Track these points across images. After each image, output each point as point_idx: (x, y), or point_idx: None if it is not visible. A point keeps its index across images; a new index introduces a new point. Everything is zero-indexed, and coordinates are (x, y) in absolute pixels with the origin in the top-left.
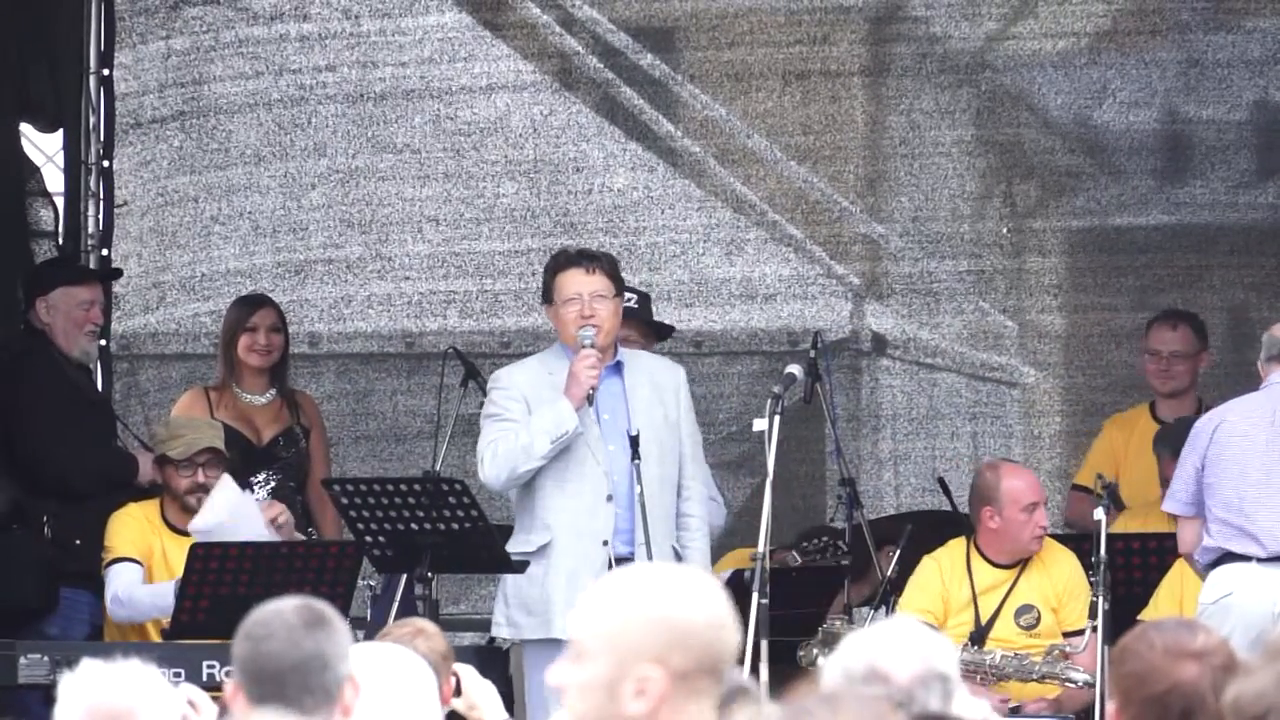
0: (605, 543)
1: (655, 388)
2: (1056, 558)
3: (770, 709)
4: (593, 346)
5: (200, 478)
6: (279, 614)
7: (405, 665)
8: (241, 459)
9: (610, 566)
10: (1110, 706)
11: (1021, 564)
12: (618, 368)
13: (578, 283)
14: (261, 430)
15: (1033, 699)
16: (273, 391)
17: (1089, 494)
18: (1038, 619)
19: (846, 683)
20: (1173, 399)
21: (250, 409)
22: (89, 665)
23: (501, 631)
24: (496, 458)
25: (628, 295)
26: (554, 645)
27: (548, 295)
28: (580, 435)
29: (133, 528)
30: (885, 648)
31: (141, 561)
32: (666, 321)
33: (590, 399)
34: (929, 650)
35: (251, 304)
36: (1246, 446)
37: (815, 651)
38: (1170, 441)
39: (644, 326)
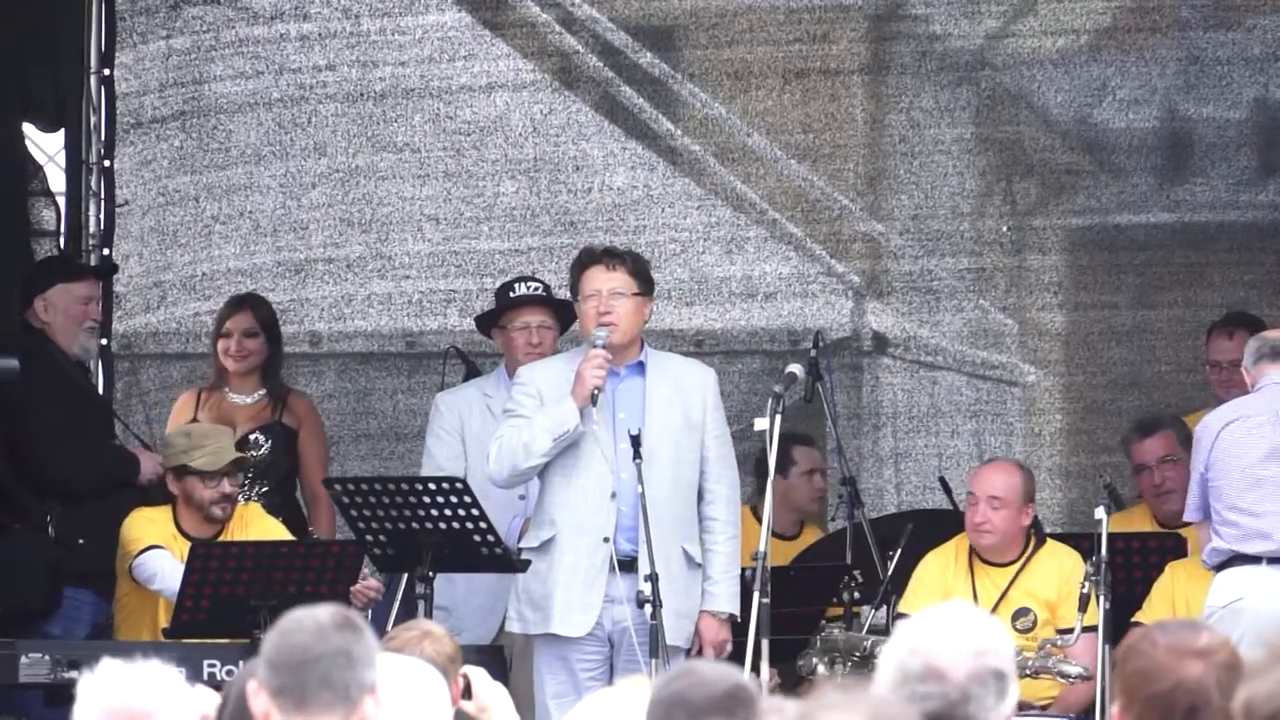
0: (606, 539)
1: (679, 389)
2: (1058, 557)
3: (788, 707)
4: (604, 347)
5: (226, 488)
6: (312, 613)
7: (417, 680)
8: None
9: (612, 563)
10: (1114, 708)
11: (1020, 564)
12: (640, 367)
13: (597, 280)
14: (238, 430)
15: (1036, 700)
16: (261, 392)
17: None
18: (1034, 622)
19: (902, 680)
20: None
21: (233, 408)
22: (108, 666)
23: (514, 626)
24: (500, 454)
25: (533, 285)
26: (560, 642)
27: (574, 292)
28: (588, 433)
29: (151, 527)
30: (942, 644)
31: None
32: (666, 320)
33: (595, 399)
34: (986, 646)
35: (232, 306)
36: (1249, 447)
37: (815, 660)
38: (1140, 426)
39: (552, 311)
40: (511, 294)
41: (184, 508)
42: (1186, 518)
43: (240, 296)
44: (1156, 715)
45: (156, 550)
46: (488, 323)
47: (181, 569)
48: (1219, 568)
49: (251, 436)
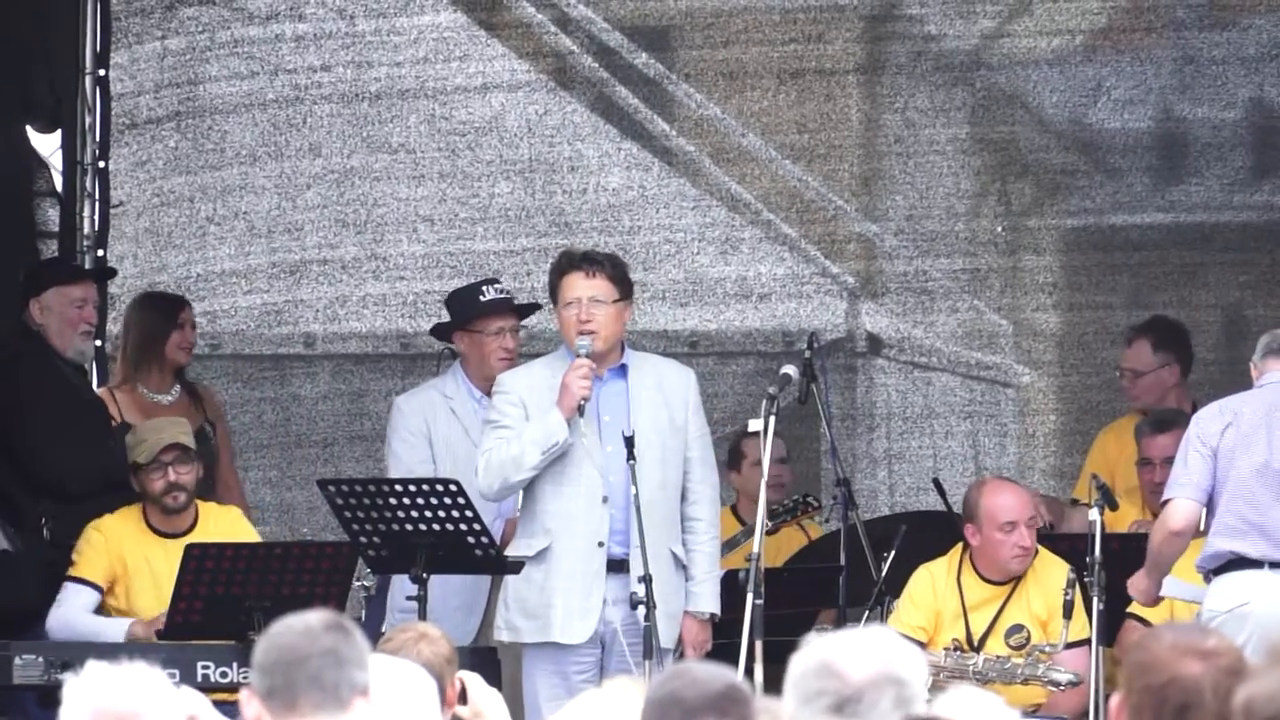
0: (601, 544)
1: (662, 390)
2: (1049, 571)
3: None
4: (588, 356)
5: (171, 476)
6: (303, 618)
7: (407, 683)
8: None
9: (606, 568)
10: (1115, 698)
11: (1013, 581)
12: (622, 370)
13: (577, 286)
14: None
15: (1025, 706)
16: (177, 388)
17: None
18: (1027, 639)
19: (800, 677)
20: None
21: (158, 409)
22: (94, 668)
23: (502, 635)
24: (489, 468)
25: (498, 287)
26: (553, 649)
27: (554, 296)
28: (575, 441)
29: (103, 547)
30: (846, 649)
31: (101, 587)
32: (661, 321)
33: (581, 410)
34: (891, 656)
35: (173, 302)
36: (1251, 446)
37: None
38: (1156, 422)
39: (516, 314)
40: (482, 298)
41: (149, 503)
42: (1172, 494)
43: (172, 294)
44: (1150, 708)
45: (78, 586)
46: (450, 326)
47: (85, 619)
48: (1217, 571)
49: None
